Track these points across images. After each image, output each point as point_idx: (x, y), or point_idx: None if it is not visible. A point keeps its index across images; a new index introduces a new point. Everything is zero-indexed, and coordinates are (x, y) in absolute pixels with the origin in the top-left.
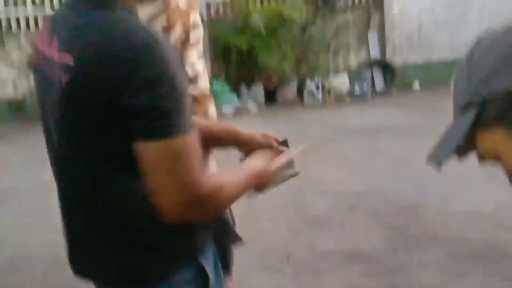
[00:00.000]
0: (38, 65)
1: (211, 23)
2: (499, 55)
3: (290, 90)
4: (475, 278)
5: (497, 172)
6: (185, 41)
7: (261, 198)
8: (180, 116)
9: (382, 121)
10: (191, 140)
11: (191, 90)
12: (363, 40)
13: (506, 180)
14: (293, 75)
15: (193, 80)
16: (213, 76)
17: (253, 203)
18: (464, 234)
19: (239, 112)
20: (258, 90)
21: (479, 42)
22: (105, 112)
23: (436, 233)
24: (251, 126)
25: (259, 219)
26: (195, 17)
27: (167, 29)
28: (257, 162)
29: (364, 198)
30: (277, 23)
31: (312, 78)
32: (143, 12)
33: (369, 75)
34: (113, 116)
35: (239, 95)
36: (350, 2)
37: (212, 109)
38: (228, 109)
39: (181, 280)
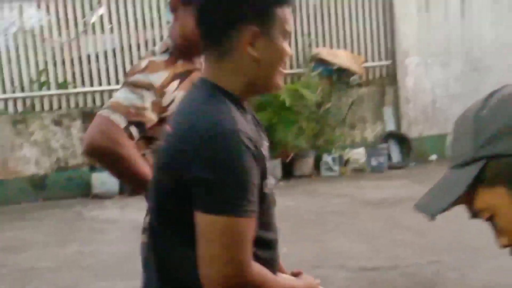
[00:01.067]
0: None
1: None
2: (509, 115)
3: (307, 164)
4: None
5: None
6: None
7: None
8: (244, 199)
9: (399, 193)
10: (249, 225)
11: None
12: (378, 114)
13: None
14: (310, 149)
15: None
16: None
17: None
18: None
19: None
20: (275, 164)
21: (489, 97)
22: (175, 179)
23: None
24: None
25: None
26: None
27: None
28: (299, 282)
29: (382, 272)
30: (294, 98)
31: (329, 151)
32: None
33: (385, 147)
34: (180, 184)
35: None
36: (364, 78)
37: None
38: None
39: None
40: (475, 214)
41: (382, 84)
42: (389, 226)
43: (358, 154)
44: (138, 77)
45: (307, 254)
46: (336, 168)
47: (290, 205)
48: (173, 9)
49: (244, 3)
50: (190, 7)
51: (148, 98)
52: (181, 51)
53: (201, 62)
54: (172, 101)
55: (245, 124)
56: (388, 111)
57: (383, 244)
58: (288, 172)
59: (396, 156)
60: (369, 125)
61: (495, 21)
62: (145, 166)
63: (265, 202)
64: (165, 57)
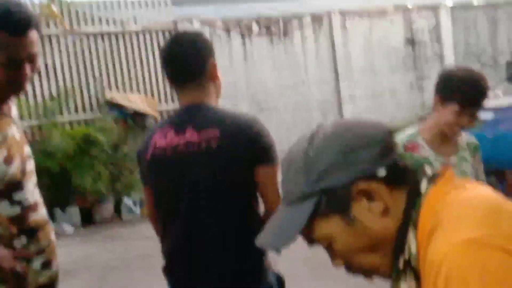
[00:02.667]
0: (162, 160)
1: None
2: (335, 151)
3: (107, 208)
4: None
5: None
6: (22, 172)
7: None
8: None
9: None
10: None
11: (35, 217)
12: None
13: (332, 275)
14: (109, 193)
15: (35, 207)
16: None
17: None
18: None
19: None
20: (73, 211)
21: (311, 138)
22: (243, 160)
23: None
24: (67, 248)
25: None
26: (27, 149)
27: (8, 160)
28: None
29: None
30: (89, 144)
31: (128, 194)
32: None
33: None
34: (249, 160)
35: (53, 218)
36: (160, 120)
37: (53, 236)
38: None
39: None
40: (312, 241)
41: None
42: None
43: None
44: None
45: None
46: (137, 210)
47: (93, 252)
48: None
49: None
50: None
51: None
52: None
53: (9, 106)
54: None
55: None
56: None
57: None
58: (87, 219)
59: None
60: None
61: (274, 65)
62: None
63: None
64: None
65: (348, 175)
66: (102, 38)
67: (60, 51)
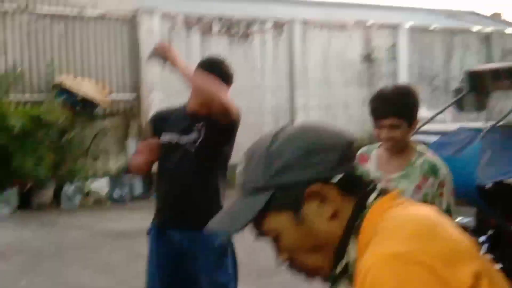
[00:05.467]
0: None
1: None
2: (295, 150)
3: (47, 194)
4: None
5: None
6: None
7: None
8: None
9: (140, 225)
10: None
11: None
12: (122, 146)
13: None
14: (50, 179)
15: None
16: None
17: None
18: None
19: None
20: (11, 193)
21: (277, 134)
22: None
23: None
24: (1, 230)
25: None
26: None
27: None
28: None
29: None
30: (34, 126)
31: (70, 182)
32: None
33: (127, 179)
34: None
35: None
36: (108, 110)
37: None
38: None
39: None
40: (260, 234)
41: (126, 116)
42: (131, 257)
43: (100, 186)
44: None
45: None
46: (77, 199)
47: (28, 237)
48: None
49: None
50: None
51: None
52: None
53: None
54: None
55: None
56: (132, 144)
57: (125, 276)
58: (25, 202)
59: (139, 188)
60: (112, 156)
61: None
62: None
63: None
64: None
65: (304, 175)
66: (58, 20)
67: (13, 28)
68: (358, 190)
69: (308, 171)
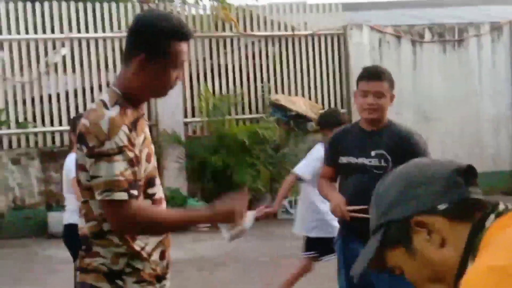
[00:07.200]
0: None
1: (188, 142)
2: (398, 187)
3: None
4: None
5: None
6: (155, 168)
7: None
8: None
9: None
10: None
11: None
12: None
13: None
14: (267, 192)
15: (161, 202)
16: (189, 194)
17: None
18: None
19: (213, 229)
20: None
21: (384, 178)
22: None
23: None
24: (221, 242)
25: None
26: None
27: (148, 158)
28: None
29: None
30: (251, 142)
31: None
32: None
33: None
34: None
35: None
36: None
37: None
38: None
39: None
40: (382, 270)
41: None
42: None
43: None
44: (108, 147)
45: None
46: (293, 211)
47: (246, 247)
48: (125, 59)
49: (138, 37)
50: (141, 57)
51: (126, 160)
52: (130, 99)
53: (143, 107)
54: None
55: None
56: None
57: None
58: None
59: None
60: None
61: (445, 75)
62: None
63: None
64: (117, 109)
65: (407, 209)
66: (273, 42)
67: (232, 52)
68: (472, 213)
69: (411, 205)
